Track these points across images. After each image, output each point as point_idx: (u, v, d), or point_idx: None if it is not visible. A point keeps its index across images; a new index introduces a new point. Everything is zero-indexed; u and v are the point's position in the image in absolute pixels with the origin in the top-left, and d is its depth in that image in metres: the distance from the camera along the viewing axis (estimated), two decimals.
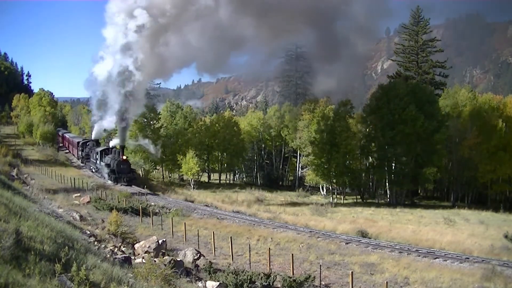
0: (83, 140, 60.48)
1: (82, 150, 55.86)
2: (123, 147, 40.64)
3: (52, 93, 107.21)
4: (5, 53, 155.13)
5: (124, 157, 39.90)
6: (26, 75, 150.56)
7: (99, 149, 46.03)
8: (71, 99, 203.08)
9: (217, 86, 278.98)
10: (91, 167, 49.48)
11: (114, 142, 44.49)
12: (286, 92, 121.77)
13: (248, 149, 63.39)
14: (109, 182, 39.39)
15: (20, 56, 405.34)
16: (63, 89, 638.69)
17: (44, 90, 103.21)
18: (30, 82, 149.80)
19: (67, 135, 78.33)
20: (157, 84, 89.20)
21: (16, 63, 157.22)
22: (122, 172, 38.73)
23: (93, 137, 58.44)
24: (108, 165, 40.12)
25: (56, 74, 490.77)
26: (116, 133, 49.79)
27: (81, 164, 56.30)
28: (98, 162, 44.64)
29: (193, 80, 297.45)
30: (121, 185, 37.51)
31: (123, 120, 39.74)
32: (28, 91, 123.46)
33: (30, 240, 7.88)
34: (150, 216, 23.38)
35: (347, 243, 19.64)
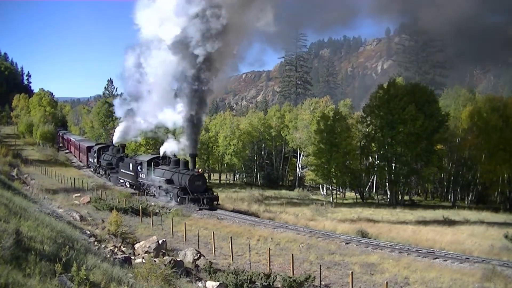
0: (96, 144, 51.11)
1: (98, 158, 45.66)
2: (195, 157, 30.70)
3: (52, 93, 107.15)
4: (5, 53, 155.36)
5: (200, 170, 30.53)
6: (26, 75, 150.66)
7: (143, 158, 35.75)
8: (71, 99, 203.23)
9: (217, 86, 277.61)
10: (122, 181, 38.69)
11: (169, 148, 34.26)
12: (286, 92, 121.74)
13: (248, 149, 63.42)
14: (172, 203, 28.95)
15: (20, 56, 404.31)
16: (63, 89, 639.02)
17: (44, 90, 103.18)
18: (30, 82, 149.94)
19: (72, 138, 69.33)
20: None
21: (16, 63, 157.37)
22: (198, 191, 28.36)
23: (115, 140, 46.86)
24: (168, 181, 30.02)
25: (56, 74, 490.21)
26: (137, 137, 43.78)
27: (97, 174, 46.10)
28: (142, 175, 34.21)
29: None
30: (200, 209, 27.09)
31: (194, 123, 30.37)
32: (28, 91, 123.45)
33: (30, 240, 7.89)
34: (150, 216, 23.37)
35: (347, 243, 19.64)
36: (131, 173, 36.01)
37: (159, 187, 31.19)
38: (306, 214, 32.71)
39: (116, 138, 46.66)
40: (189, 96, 30.29)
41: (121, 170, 38.53)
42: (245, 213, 29.28)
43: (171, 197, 29.56)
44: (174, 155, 33.01)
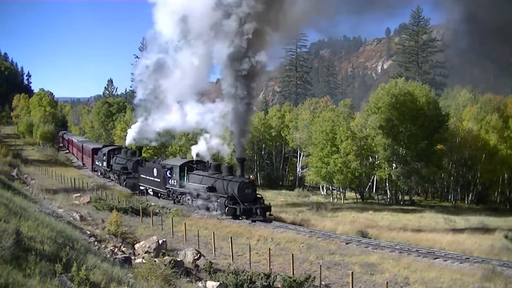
0: (104, 146, 47.68)
1: (108, 161, 42.12)
2: (243, 161, 26.51)
3: (52, 93, 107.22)
4: (5, 53, 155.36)
5: (251, 177, 26.46)
6: (26, 75, 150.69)
7: (173, 162, 31.89)
8: (71, 99, 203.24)
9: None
10: (142, 187, 34.74)
11: (199, 149, 30.76)
12: (286, 92, 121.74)
13: (248, 149, 63.35)
14: (214, 213, 25.63)
15: (20, 56, 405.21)
16: (63, 89, 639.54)
17: (44, 90, 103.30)
18: (30, 82, 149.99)
19: (74, 139, 66.24)
20: None
21: (16, 63, 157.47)
22: (247, 200, 24.67)
23: (128, 142, 43.48)
24: (211, 188, 26.32)
25: (56, 74, 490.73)
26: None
27: (108, 180, 42.27)
28: (172, 182, 30.37)
29: None
30: (253, 220, 23.77)
31: (242, 120, 26.46)
32: (28, 91, 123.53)
33: (30, 240, 7.89)
34: (150, 216, 23.39)
35: (347, 243, 19.64)
36: (156, 179, 32.31)
37: (198, 195, 27.48)
38: (307, 214, 32.68)
39: (129, 140, 42.87)
40: (236, 82, 25.93)
41: (142, 175, 34.90)
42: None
43: (214, 207, 25.85)
44: (197, 155, 30.54)
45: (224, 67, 27.15)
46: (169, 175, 30.75)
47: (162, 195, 32.17)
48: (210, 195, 26.29)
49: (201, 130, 34.26)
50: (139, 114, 41.18)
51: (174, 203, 29.86)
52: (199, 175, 28.36)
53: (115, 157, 41.10)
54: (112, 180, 41.34)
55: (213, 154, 31.63)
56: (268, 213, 24.86)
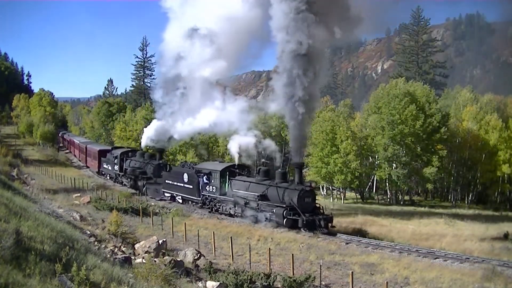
0: (114, 148, 44.52)
1: (121, 165, 38.75)
2: (301, 167, 24.44)
3: (52, 93, 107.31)
4: (5, 53, 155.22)
5: (313, 184, 24.10)
6: (26, 75, 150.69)
7: (210, 166, 28.66)
8: (71, 99, 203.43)
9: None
10: (168, 194, 31.71)
11: (245, 145, 27.87)
12: None
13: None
14: (280, 229, 21.93)
15: (20, 56, 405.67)
16: (63, 89, 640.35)
17: (44, 90, 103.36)
18: (30, 82, 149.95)
19: (76, 140, 63.38)
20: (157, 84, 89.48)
21: (16, 63, 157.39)
22: (307, 210, 21.85)
23: (145, 143, 39.42)
24: (262, 197, 23.45)
25: (56, 74, 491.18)
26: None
27: (117, 184, 39.63)
28: (210, 188, 27.41)
29: None
30: (317, 232, 20.93)
31: (301, 117, 23.06)
32: (28, 91, 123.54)
33: (30, 240, 7.89)
34: (150, 216, 23.40)
35: (347, 243, 19.64)
36: (188, 185, 29.21)
37: (245, 204, 24.47)
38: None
39: (145, 141, 38.86)
40: (293, 80, 22.70)
41: (167, 181, 31.65)
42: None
43: (267, 218, 22.88)
44: (239, 156, 27.76)
45: (280, 61, 23.97)
46: (205, 181, 27.67)
47: (195, 203, 29.09)
48: (261, 204, 23.39)
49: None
50: (159, 112, 36.88)
51: (211, 212, 27.17)
52: (244, 181, 25.31)
53: (129, 160, 37.99)
54: (125, 185, 38.27)
55: (263, 156, 29.15)
56: (330, 224, 22.08)
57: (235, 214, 25.35)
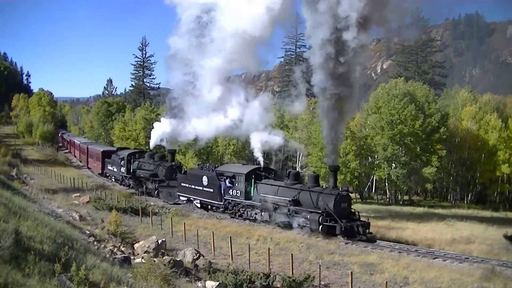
0: (119, 149, 42.10)
1: (127, 166, 36.92)
2: (336, 170, 22.96)
3: (51, 93, 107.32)
4: (5, 53, 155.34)
5: (350, 189, 22.65)
6: (26, 75, 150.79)
7: (234, 169, 27.07)
8: (70, 99, 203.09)
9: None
10: (184, 198, 30.09)
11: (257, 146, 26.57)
12: (286, 92, 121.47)
13: (248, 149, 63.24)
14: (301, 232, 21.12)
15: (19, 55, 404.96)
16: (62, 89, 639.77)
17: (43, 90, 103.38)
18: (30, 82, 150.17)
19: (77, 141, 61.55)
20: (157, 84, 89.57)
21: (15, 63, 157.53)
22: (343, 216, 20.55)
23: (154, 144, 37.48)
24: (295, 202, 21.96)
25: (56, 74, 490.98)
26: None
27: (124, 187, 37.81)
28: (234, 192, 25.85)
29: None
30: (356, 240, 19.75)
31: (338, 116, 21.68)
32: (27, 91, 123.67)
33: (29, 240, 7.90)
34: (149, 216, 23.38)
35: (346, 243, 19.63)
36: (208, 189, 27.49)
37: (275, 209, 22.95)
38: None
39: (154, 141, 36.80)
40: (330, 76, 20.91)
41: (182, 184, 30.02)
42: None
43: (299, 224, 21.53)
44: (264, 155, 25.55)
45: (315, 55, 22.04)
46: (228, 185, 26.06)
47: (215, 208, 27.46)
48: (293, 210, 21.96)
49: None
50: (169, 110, 34.88)
51: (234, 217, 25.72)
52: (272, 185, 23.82)
53: (137, 162, 36.16)
54: (132, 187, 36.76)
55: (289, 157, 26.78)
56: (367, 230, 20.75)
57: (262, 220, 23.93)
